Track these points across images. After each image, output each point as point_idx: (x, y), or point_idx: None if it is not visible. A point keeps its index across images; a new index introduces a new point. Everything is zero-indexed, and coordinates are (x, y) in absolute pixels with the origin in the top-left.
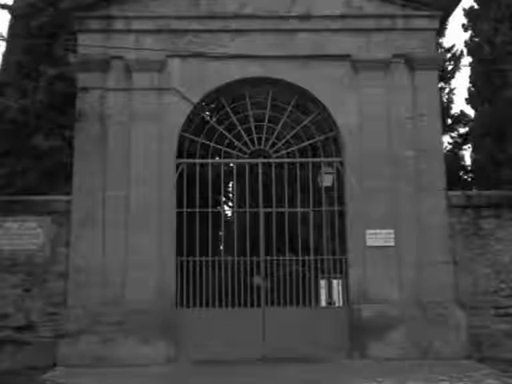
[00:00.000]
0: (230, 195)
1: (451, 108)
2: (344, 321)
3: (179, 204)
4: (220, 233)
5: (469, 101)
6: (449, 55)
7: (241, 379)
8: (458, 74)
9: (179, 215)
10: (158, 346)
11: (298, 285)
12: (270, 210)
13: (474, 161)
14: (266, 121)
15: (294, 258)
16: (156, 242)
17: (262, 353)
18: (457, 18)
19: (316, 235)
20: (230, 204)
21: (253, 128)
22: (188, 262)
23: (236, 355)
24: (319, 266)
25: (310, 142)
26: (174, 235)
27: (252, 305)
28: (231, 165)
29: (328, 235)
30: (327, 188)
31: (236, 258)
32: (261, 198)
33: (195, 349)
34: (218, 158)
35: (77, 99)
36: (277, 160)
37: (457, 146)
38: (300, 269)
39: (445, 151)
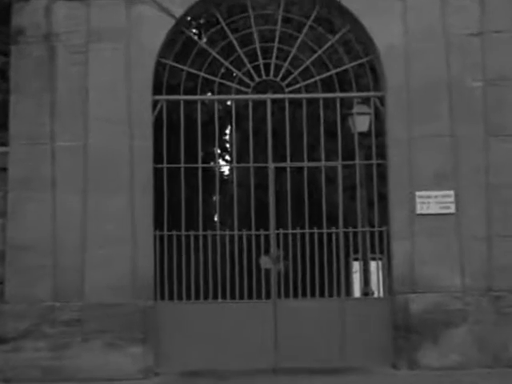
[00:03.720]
0: (228, 145)
1: None
2: (386, 317)
3: (157, 158)
4: (214, 198)
5: None
6: None
7: None
8: None
9: (158, 173)
10: (131, 352)
11: (323, 268)
12: (283, 165)
13: None
14: (277, 41)
15: (316, 230)
16: (126, 209)
17: (272, 361)
18: None
19: (347, 200)
20: (228, 158)
21: (258, 51)
22: (171, 237)
23: (237, 365)
24: (351, 242)
25: (338, 70)
26: (150, 201)
27: (259, 296)
28: (229, 103)
29: (363, 199)
30: (362, 134)
31: (236, 233)
32: (270, 149)
33: (182, 356)
34: (210, 94)
35: (13, 13)
36: (292, 96)
37: None
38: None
39: None
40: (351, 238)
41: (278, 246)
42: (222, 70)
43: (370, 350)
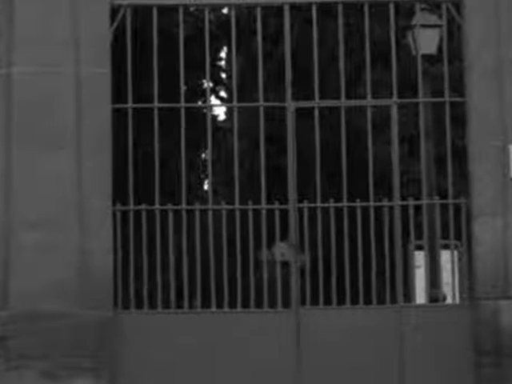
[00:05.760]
0: (224, 76)
1: None
2: (464, 334)
3: (118, 94)
4: (204, 155)
5: None
6: None
7: None
8: None
9: (119, 117)
10: None
11: (369, 261)
12: (308, 104)
13: None
14: None
15: (358, 204)
16: (71, 174)
17: None
18: None
19: (405, 157)
20: (224, 94)
21: None
22: (139, 214)
23: None
24: (412, 221)
25: None
26: (108, 159)
27: (273, 304)
28: (225, 11)
29: (430, 156)
30: (428, 58)
31: (238, 207)
32: (289, 82)
33: None
34: None
35: None
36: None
37: None
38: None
39: None
40: (412, 216)
41: (301, 227)
42: None
43: (440, 381)
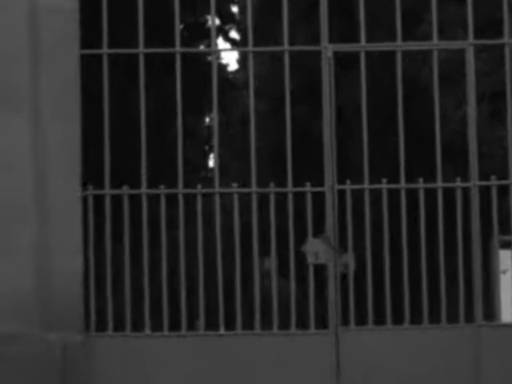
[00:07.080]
0: (236, 10)
1: None
2: None
3: (89, 36)
4: (208, 119)
5: None
6: None
7: None
8: None
9: (90, 68)
10: None
11: (436, 264)
12: (349, 47)
13: None
14: None
15: (421, 185)
16: (25, 143)
17: None
18: None
19: (484, 120)
20: (235, 35)
21: None
22: (119, 200)
23: None
24: (495, 208)
25: None
26: (76, 125)
27: (303, 323)
28: None
29: None
30: None
31: (255, 190)
32: (324, 16)
33: None
34: None
35: None
36: None
37: None
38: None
39: None
40: (495, 201)
41: (342, 217)
42: None
43: None
